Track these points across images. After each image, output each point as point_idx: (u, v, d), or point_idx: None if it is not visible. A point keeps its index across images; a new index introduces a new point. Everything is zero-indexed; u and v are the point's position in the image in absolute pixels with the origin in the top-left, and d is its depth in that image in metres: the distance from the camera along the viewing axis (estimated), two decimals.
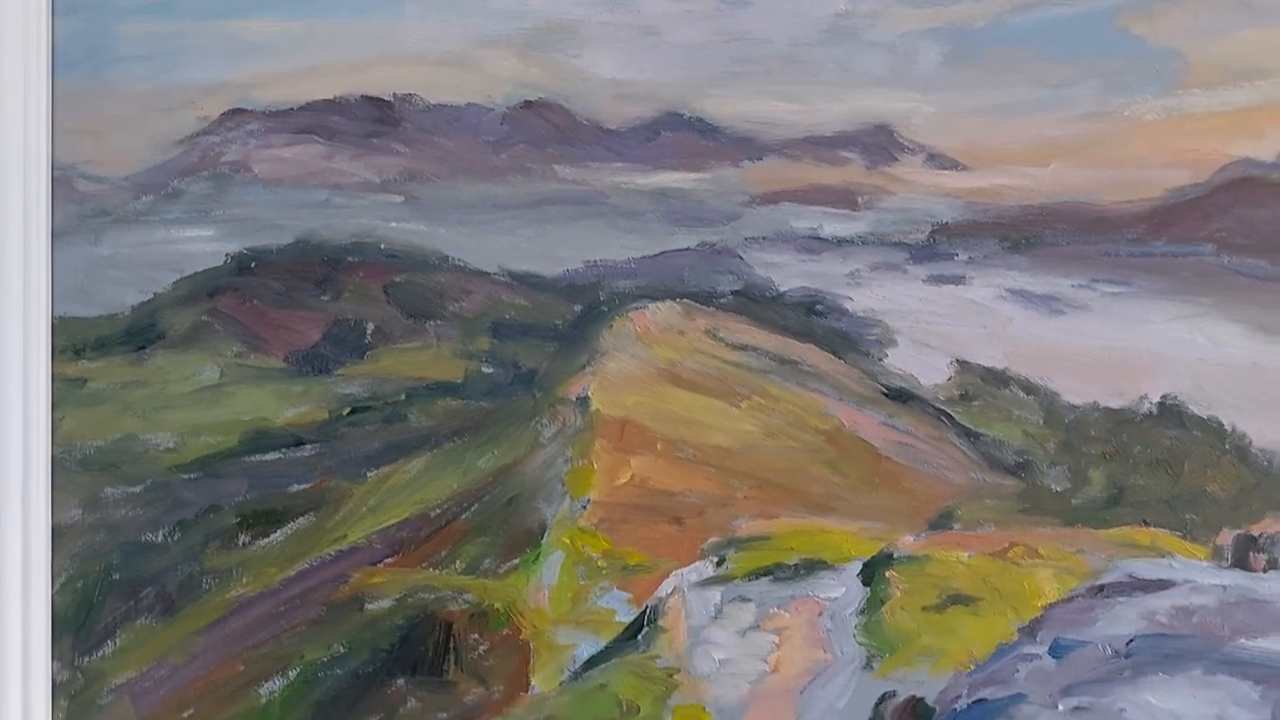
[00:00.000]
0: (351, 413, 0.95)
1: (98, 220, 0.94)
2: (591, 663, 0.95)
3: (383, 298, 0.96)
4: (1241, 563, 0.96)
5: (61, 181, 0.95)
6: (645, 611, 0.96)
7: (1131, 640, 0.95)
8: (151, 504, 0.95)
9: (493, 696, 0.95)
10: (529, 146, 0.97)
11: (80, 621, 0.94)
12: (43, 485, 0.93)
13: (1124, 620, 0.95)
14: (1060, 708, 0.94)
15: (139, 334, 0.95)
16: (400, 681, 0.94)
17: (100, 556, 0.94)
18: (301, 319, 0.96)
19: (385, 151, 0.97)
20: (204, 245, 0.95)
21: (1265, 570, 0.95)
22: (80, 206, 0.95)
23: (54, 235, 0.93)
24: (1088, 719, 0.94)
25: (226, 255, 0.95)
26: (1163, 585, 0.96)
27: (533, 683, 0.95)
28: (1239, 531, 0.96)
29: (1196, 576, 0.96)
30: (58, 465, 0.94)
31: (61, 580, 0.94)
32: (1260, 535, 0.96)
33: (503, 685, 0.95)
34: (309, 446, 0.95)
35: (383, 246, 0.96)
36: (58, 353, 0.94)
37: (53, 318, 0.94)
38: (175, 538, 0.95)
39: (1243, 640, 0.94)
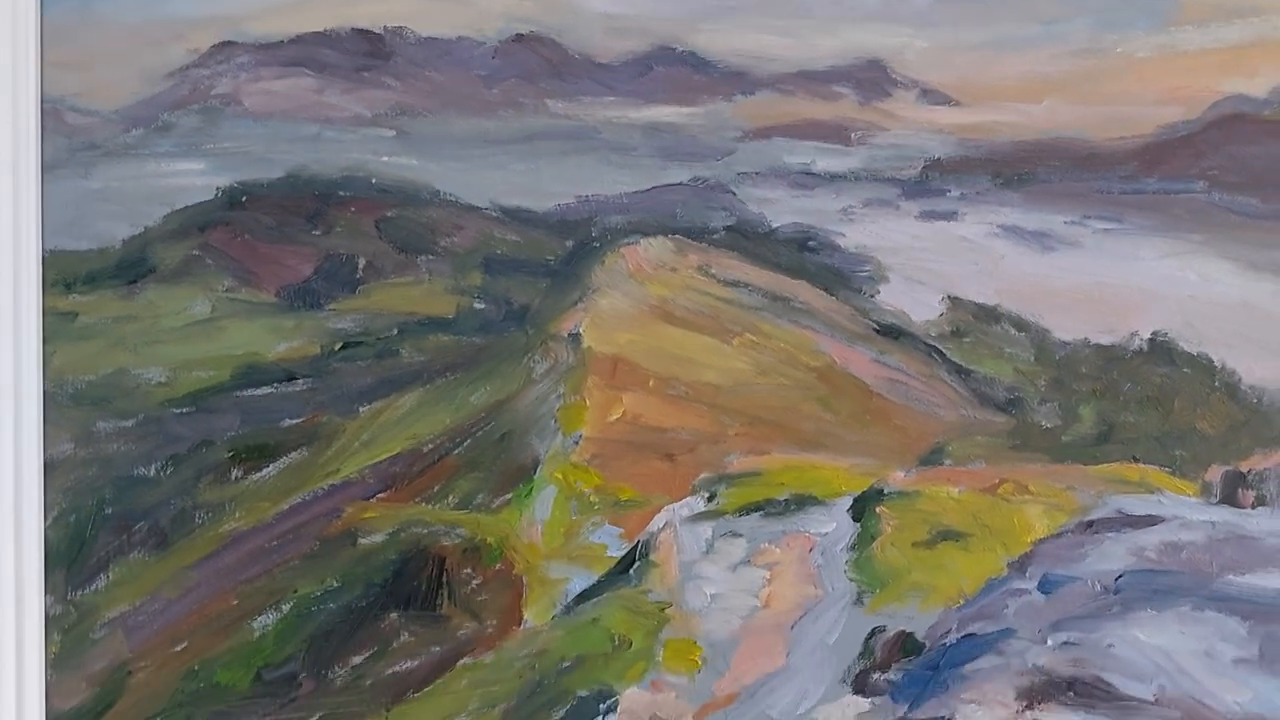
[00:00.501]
0: (343, 348, 0.95)
1: (88, 153, 0.93)
2: (583, 597, 0.95)
3: (374, 233, 0.95)
4: (1230, 499, 0.96)
5: (51, 114, 0.94)
6: (637, 546, 0.96)
7: (1120, 576, 0.95)
8: (144, 438, 0.94)
9: (485, 630, 0.95)
10: (520, 80, 0.95)
11: (73, 556, 0.94)
12: (34, 419, 0.93)
13: (1113, 556, 0.96)
14: (1049, 643, 0.95)
15: (130, 268, 0.94)
16: (393, 615, 0.95)
17: (93, 491, 0.94)
18: (293, 254, 0.95)
19: (376, 85, 0.96)
20: (194, 179, 0.94)
21: (1253, 507, 0.96)
22: (70, 140, 0.94)
23: (44, 169, 0.92)
24: (1076, 654, 0.95)
25: (217, 189, 0.94)
26: (1151, 521, 0.96)
27: (525, 617, 0.95)
28: (1228, 468, 0.96)
29: (1185, 513, 0.96)
30: (49, 399, 0.93)
31: (54, 514, 0.94)
32: (1249, 472, 0.96)
33: (495, 619, 0.95)
34: (301, 381, 0.95)
35: (374, 181, 0.95)
36: (48, 286, 0.93)
37: (43, 251, 0.93)
38: (167, 472, 0.94)
39: (1231, 576, 0.95)
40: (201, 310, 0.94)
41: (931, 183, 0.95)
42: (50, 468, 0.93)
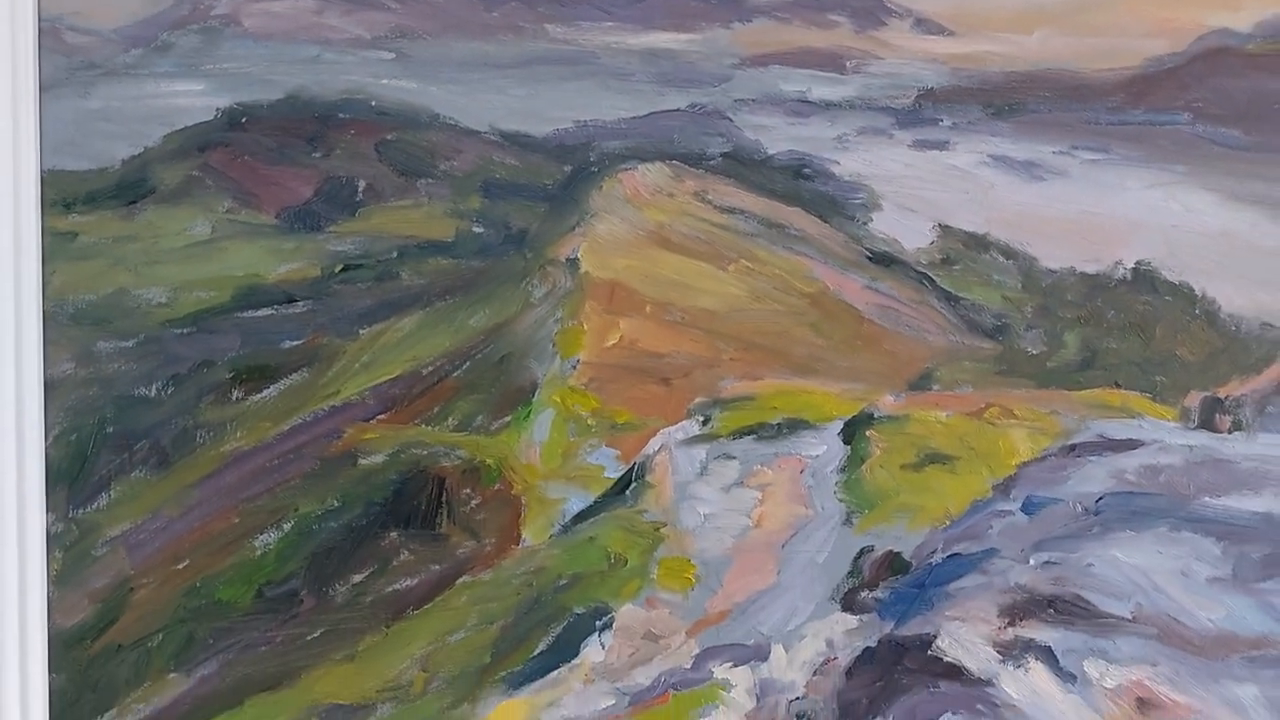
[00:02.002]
0: (343, 270, 0.94)
1: (87, 73, 0.92)
2: (581, 517, 0.96)
3: (374, 155, 0.94)
4: (1207, 424, 0.97)
5: (49, 33, 0.92)
6: (633, 468, 0.96)
7: (1101, 498, 0.97)
8: (144, 358, 0.93)
9: (484, 549, 0.95)
10: (520, 4, 0.94)
11: (74, 474, 0.93)
12: (35, 339, 0.91)
13: (1094, 479, 0.97)
14: (1031, 562, 0.96)
15: (130, 188, 0.93)
16: (394, 534, 0.95)
17: (94, 410, 0.93)
18: (293, 175, 0.94)
19: (376, 7, 0.94)
20: (194, 99, 0.93)
21: (1230, 431, 0.97)
22: (69, 59, 0.92)
23: (42, 88, 0.91)
24: (1057, 573, 0.96)
25: (217, 110, 0.93)
26: (1132, 445, 0.97)
27: (524, 536, 0.95)
28: (1206, 394, 0.97)
29: (1164, 437, 0.97)
30: (49, 319, 0.92)
31: (55, 433, 0.93)
32: (1226, 398, 0.97)
33: (494, 538, 0.95)
34: (301, 303, 0.94)
35: (373, 104, 0.94)
36: (48, 206, 0.92)
37: (42, 171, 0.91)
38: (169, 392, 0.94)
39: (1207, 498, 0.97)
40: (202, 231, 0.93)
41: (924, 112, 0.94)
42: (51, 387, 0.92)
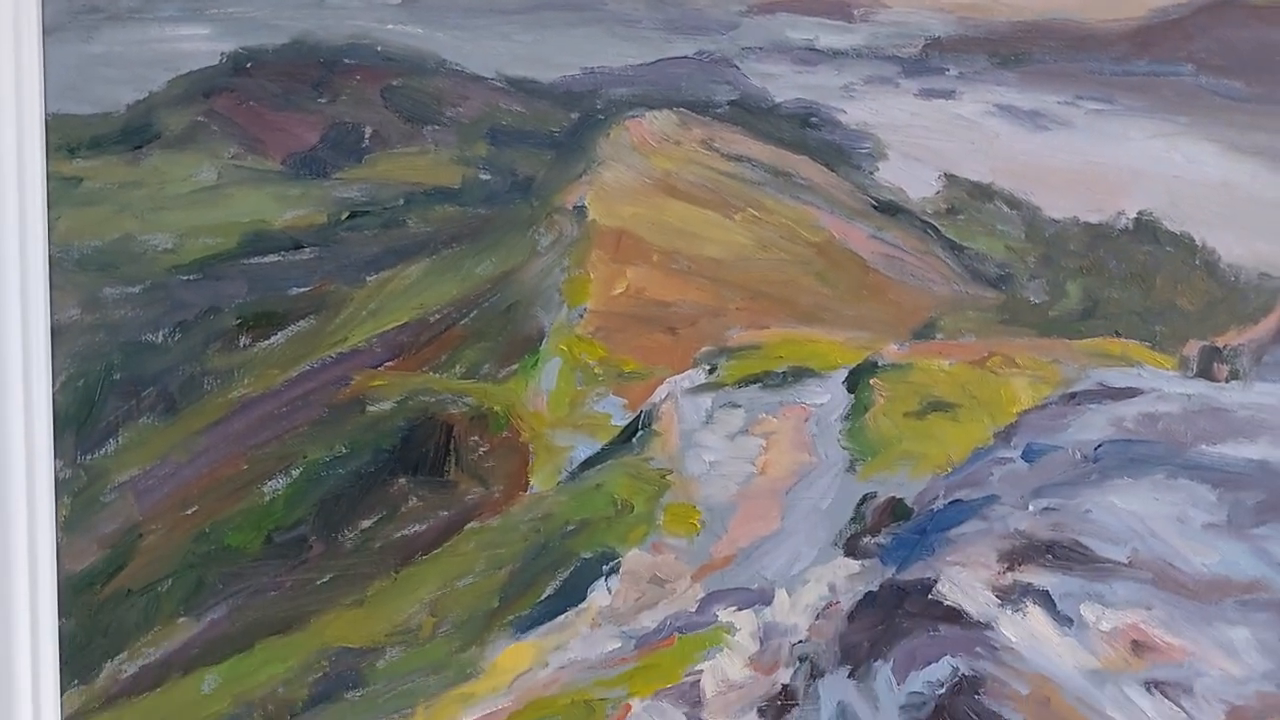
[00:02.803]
0: (350, 217, 0.93)
1: (90, 17, 0.90)
2: (588, 464, 0.96)
3: (380, 101, 0.93)
4: (1206, 373, 0.98)
5: None
6: (640, 416, 0.96)
7: (1099, 445, 0.97)
8: (151, 304, 0.93)
9: (493, 495, 0.96)
10: None
11: (82, 420, 0.93)
12: (41, 284, 0.91)
13: (1093, 426, 0.97)
14: (1030, 508, 0.97)
15: (134, 133, 0.92)
16: (402, 481, 0.95)
17: (100, 356, 0.93)
18: (298, 121, 0.93)
19: None
20: (199, 44, 0.92)
21: (1227, 380, 0.98)
22: (71, 2, 0.91)
23: (45, 32, 0.89)
24: (1055, 519, 0.97)
25: (222, 54, 0.92)
26: (1131, 393, 0.98)
27: (531, 482, 0.96)
28: (1204, 343, 0.98)
29: (1163, 385, 0.98)
30: (55, 265, 0.92)
31: (62, 379, 0.92)
32: (1224, 347, 0.98)
33: (502, 485, 0.96)
34: (308, 250, 0.93)
35: (379, 49, 0.93)
36: (52, 151, 0.91)
37: (46, 115, 0.90)
38: (175, 338, 0.93)
39: (1204, 446, 0.98)
40: (207, 177, 0.92)
41: (931, 61, 0.94)
42: (57, 333, 0.92)
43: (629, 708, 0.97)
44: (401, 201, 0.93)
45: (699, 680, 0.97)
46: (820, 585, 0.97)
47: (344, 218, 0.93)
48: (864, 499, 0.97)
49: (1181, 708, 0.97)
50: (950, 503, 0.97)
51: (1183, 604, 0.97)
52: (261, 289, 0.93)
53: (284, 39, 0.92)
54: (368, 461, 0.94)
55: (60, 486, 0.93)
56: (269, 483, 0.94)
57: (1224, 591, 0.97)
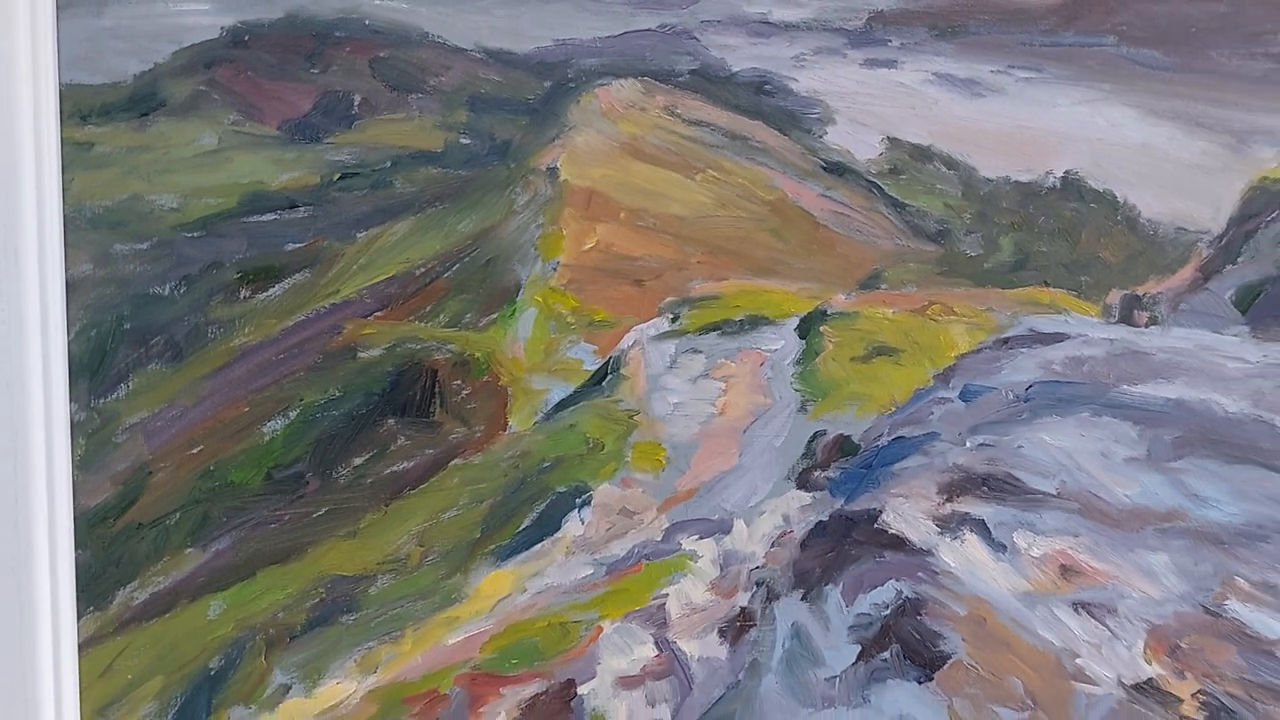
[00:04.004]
0: (341, 178, 0.95)
1: None
2: (562, 405, 0.98)
3: (368, 72, 0.95)
4: (1127, 319, 1.00)
5: None
6: (609, 361, 0.98)
7: (1030, 386, 1.00)
8: (158, 260, 0.94)
9: (474, 435, 0.98)
10: None
11: (95, 367, 0.95)
12: (56, 241, 0.92)
13: (1024, 369, 1.00)
14: (967, 444, 1.00)
15: (141, 101, 0.94)
16: (391, 421, 0.97)
17: (112, 308, 0.95)
18: (293, 90, 0.95)
19: None
20: (200, 18, 0.93)
21: (1147, 326, 1.00)
22: None
23: (59, 7, 0.91)
24: (990, 454, 1.00)
25: (221, 28, 0.93)
26: (1058, 338, 1.00)
27: (510, 423, 0.98)
28: (1126, 292, 1.00)
29: (1088, 331, 1.00)
30: (69, 223, 0.93)
31: (76, 329, 0.94)
32: (1144, 295, 1.00)
33: (483, 425, 0.98)
34: (302, 209, 0.95)
35: (367, 23, 0.94)
36: (66, 118, 0.92)
37: (60, 85, 0.92)
38: (181, 291, 0.95)
39: (1125, 387, 1.00)
40: (209, 142, 0.94)
41: (875, 33, 0.96)
42: (71, 286, 0.94)
43: (600, 629, 0.99)
44: (388, 164, 0.95)
45: (665, 603, 0.99)
46: (775, 516, 0.99)
47: (335, 179, 0.95)
48: (814, 436, 0.99)
49: (1106, 627, 1.00)
50: (894, 440, 1.00)
51: (1106, 532, 1.00)
52: (260, 245, 0.95)
53: (279, 14, 0.94)
54: (359, 404, 0.96)
55: (75, 428, 0.95)
56: (268, 424, 0.96)
57: (1144, 520, 1.00)
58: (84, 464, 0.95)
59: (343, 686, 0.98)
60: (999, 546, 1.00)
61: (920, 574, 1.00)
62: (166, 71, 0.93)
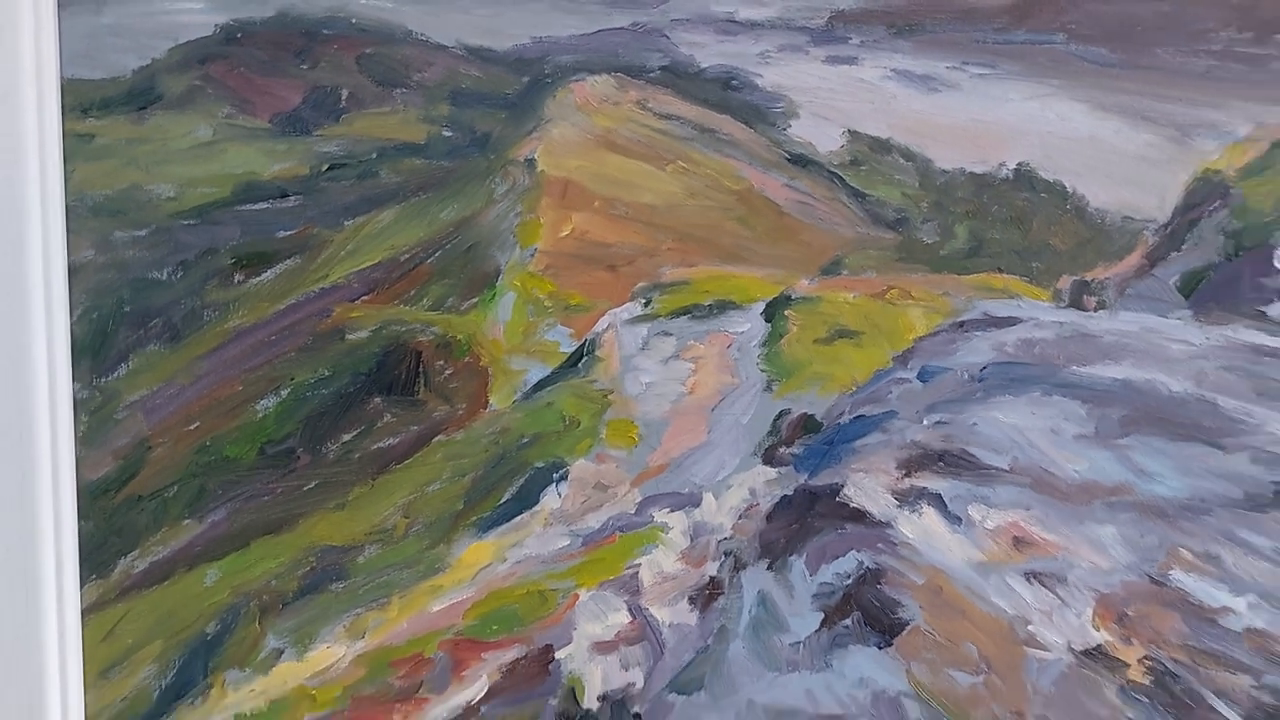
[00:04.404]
0: (329, 169, 0.95)
1: None
2: (540, 385, 0.99)
3: (355, 68, 0.95)
4: (1076, 303, 1.01)
5: None
6: (584, 344, 0.99)
7: (984, 367, 1.01)
8: (156, 246, 0.95)
9: (456, 412, 0.98)
10: None
11: (97, 348, 0.95)
12: (59, 229, 0.93)
13: (979, 351, 1.01)
14: (924, 422, 1.00)
15: (140, 95, 0.94)
16: (377, 400, 0.97)
17: (112, 291, 0.95)
18: (283, 85, 0.95)
19: None
20: (195, 17, 0.93)
21: (1095, 310, 1.01)
22: None
23: (61, 5, 0.91)
24: (946, 431, 1.00)
25: (215, 26, 0.94)
26: (1011, 322, 1.01)
27: (490, 401, 0.98)
28: (1075, 277, 1.01)
29: (1039, 315, 1.01)
30: (71, 212, 0.93)
31: (79, 312, 0.94)
32: (1092, 280, 1.01)
33: (465, 403, 0.98)
34: (293, 198, 0.95)
35: (354, 21, 0.94)
36: (67, 111, 0.92)
37: (62, 79, 0.92)
38: (178, 276, 0.95)
39: (1074, 367, 1.01)
40: (204, 134, 0.94)
41: (836, 31, 0.96)
42: (74, 271, 0.94)
43: (577, 597, 1.00)
44: (374, 155, 0.96)
45: (638, 572, 1.00)
46: (742, 490, 1.00)
47: (324, 170, 0.96)
48: (780, 415, 1.00)
49: (1056, 595, 1.00)
50: (855, 418, 1.01)
51: (1057, 505, 1.01)
52: (253, 232, 0.95)
53: (270, 12, 0.94)
54: (347, 383, 0.97)
55: (78, 405, 0.95)
56: (261, 401, 0.96)
57: (1092, 494, 1.01)
58: (86, 439, 0.96)
59: (332, 651, 0.99)
60: (955, 519, 1.01)
61: (880, 545, 1.01)
62: (163, 67, 0.94)
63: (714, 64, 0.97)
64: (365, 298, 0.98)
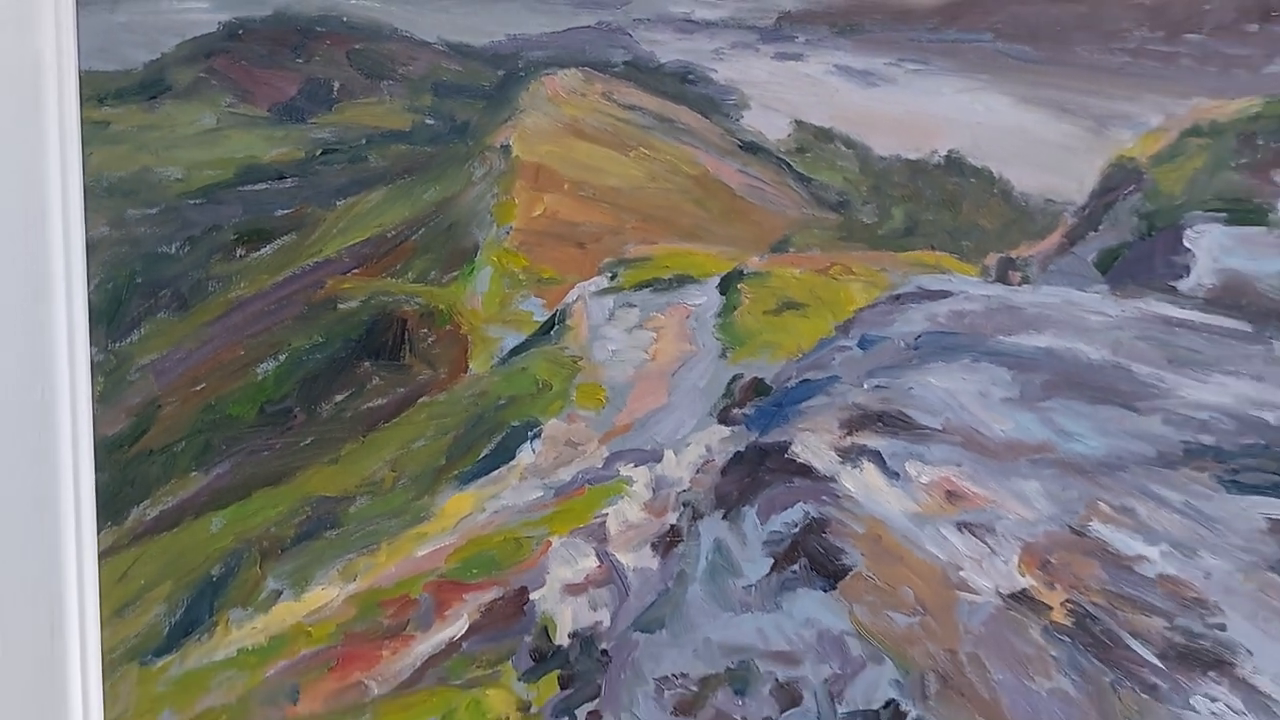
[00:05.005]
0: (323, 153, 0.97)
1: None
2: (515, 351, 1.00)
3: (346, 62, 0.97)
4: (1002, 278, 1.03)
5: None
6: (556, 313, 1.00)
7: (919, 336, 1.02)
8: (165, 223, 0.97)
9: (439, 376, 1.00)
10: None
11: (112, 315, 0.97)
12: (77, 207, 0.95)
13: (914, 321, 1.02)
14: (865, 386, 1.02)
15: (150, 86, 0.96)
16: (367, 364, 0.99)
17: (126, 264, 0.96)
18: (281, 77, 0.97)
19: None
20: (200, 15, 0.95)
21: (1020, 284, 1.03)
22: None
23: (79, 5, 0.94)
24: (884, 394, 1.02)
25: (219, 23, 0.95)
26: (944, 295, 1.03)
27: (470, 366, 1.00)
28: (1001, 255, 1.03)
29: (969, 289, 1.02)
30: (89, 191, 0.95)
31: (95, 283, 0.96)
32: (1017, 258, 1.02)
33: (447, 368, 1.00)
34: (290, 180, 0.97)
35: (345, 19, 0.96)
36: (85, 100, 0.94)
37: (80, 72, 0.94)
38: (185, 250, 0.97)
39: (1001, 337, 1.03)
40: (209, 122, 0.96)
41: (783, 30, 0.97)
42: (91, 246, 0.96)
43: (549, 544, 1.02)
44: (364, 141, 0.97)
45: (605, 521, 1.02)
46: (699, 447, 1.02)
47: (318, 154, 0.97)
48: (733, 379, 1.02)
49: (985, 544, 1.03)
50: (801, 382, 1.02)
51: (985, 462, 1.03)
52: (253, 211, 0.97)
53: (268, 11, 0.96)
54: (339, 348, 0.98)
55: (95, 368, 0.97)
56: (261, 365, 0.98)
57: (1018, 452, 1.03)
58: (103, 399, 0.98)
59: (327, 592, 1.01)
60: (892, 474, 1.03)
61: (824, 497, 1.03)
62: (172, 61, 0.95)
63: (672, 60, 0.98)
64: (355, 271, 0.99)
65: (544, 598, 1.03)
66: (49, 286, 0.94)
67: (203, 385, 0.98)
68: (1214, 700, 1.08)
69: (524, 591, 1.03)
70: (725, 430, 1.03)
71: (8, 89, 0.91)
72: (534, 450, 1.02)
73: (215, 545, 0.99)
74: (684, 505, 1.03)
